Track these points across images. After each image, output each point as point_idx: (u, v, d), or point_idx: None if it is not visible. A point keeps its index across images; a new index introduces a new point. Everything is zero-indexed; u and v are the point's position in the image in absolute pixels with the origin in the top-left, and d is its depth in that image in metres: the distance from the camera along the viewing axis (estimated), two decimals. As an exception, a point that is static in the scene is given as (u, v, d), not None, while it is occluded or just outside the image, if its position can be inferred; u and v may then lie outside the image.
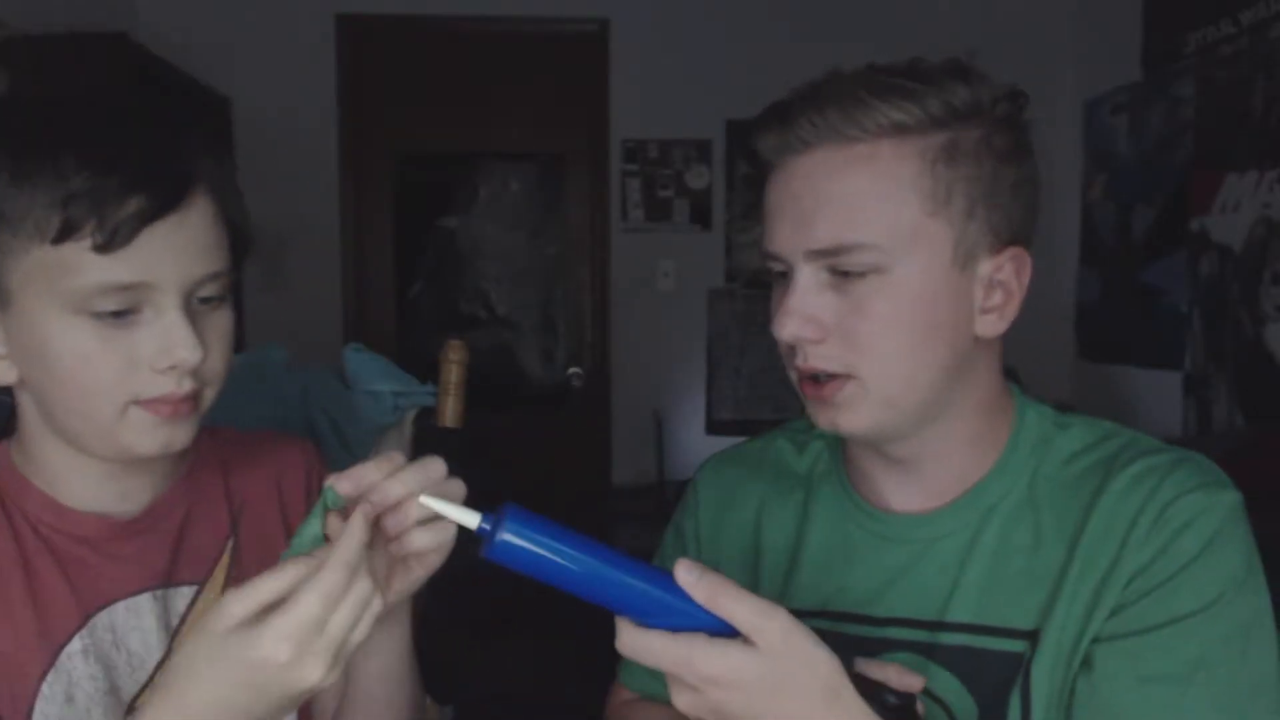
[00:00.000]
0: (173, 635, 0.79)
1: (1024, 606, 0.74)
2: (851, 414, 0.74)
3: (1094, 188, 3.18)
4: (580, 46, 3.40)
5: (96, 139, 0.67)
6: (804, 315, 0.72)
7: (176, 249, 0.68)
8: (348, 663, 0.85)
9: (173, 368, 0.69)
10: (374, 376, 1.36)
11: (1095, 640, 0.71)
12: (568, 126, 3.47)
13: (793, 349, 0.75)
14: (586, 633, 1.11)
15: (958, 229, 0.71)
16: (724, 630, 0.62)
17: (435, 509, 0.63)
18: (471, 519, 0.62)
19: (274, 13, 3.30)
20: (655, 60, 3.38)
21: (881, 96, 0.69)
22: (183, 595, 0.80)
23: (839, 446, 0.88)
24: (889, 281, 0.71)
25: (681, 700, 0.62)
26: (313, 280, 3.39)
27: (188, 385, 0.71)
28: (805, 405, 0.78)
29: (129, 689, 0.77)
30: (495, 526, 0.61)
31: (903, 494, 0.81)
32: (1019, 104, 0.74)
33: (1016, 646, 0.73)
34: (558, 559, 0.61)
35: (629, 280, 3.46)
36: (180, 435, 0.73)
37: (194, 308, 0.71)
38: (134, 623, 0.77)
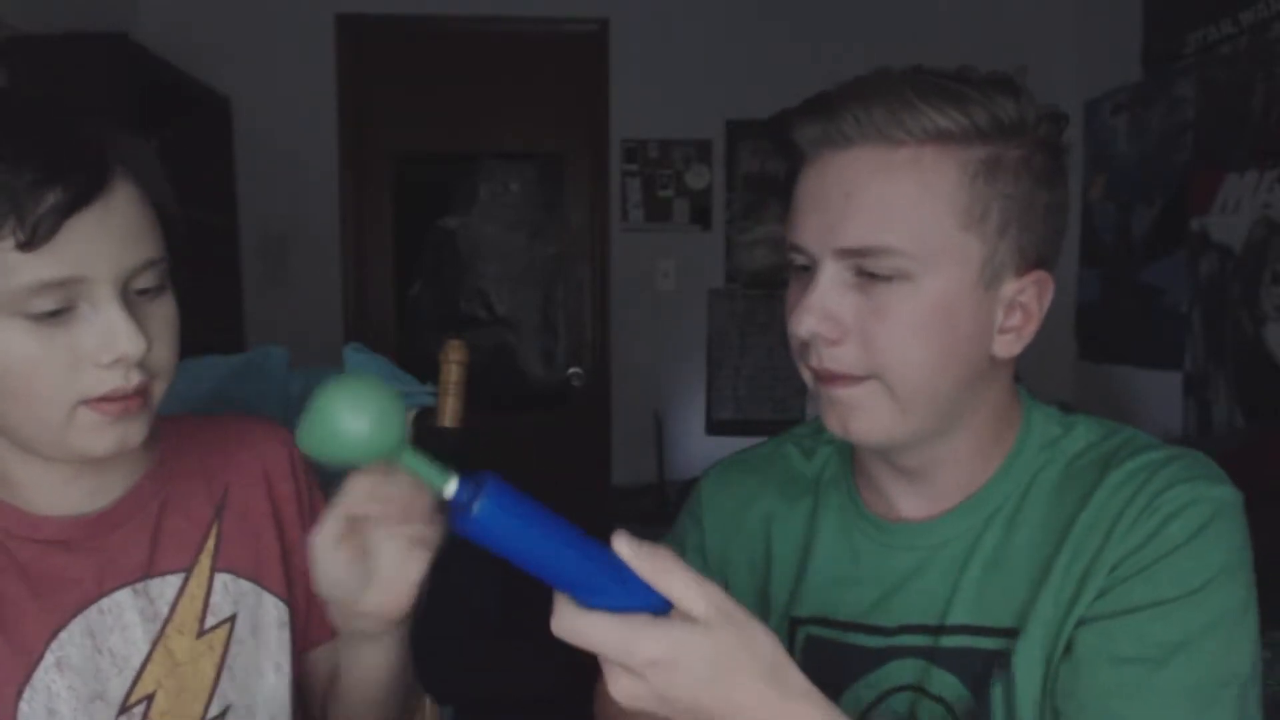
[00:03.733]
0: (164, 624, 0.79)
1: (1017, 602, 0.74)
2: (862, 420, 0.73)
3: (1094, 188, 3.18)
4: (580, 46, 3.40)
5: (2, 135, 0.65)
6: (823, 312, 0.71)
7: (104, 239, 0.67)
8: (339, 666, 0.84)
9: (117, 361, 0.68)
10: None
11: (1079, 624, 0.70)
12: (568, 126, 3.47)
13: (806, 346, 0.74)
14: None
15: (988, 246, 0.70)
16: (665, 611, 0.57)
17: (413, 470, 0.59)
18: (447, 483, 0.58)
19: (273, 13, 3.29)
20: (655, 60, 3.37)
21: (929, 101, 0.68)
22: (169, 584, 0.80)
23: (848, 452, 0.87)
24: (913, 289, 0.70)
25: (621, 688, 0.57)
26: (313, 280, 3.38)
27: (135, 379, 0.69)
28: (817, 403, 0.77)
29: (116, 690, 0.75)
30: (471, 498, 0.56)
31: (909, 500, 0.81)
32: (1060, 126, 0.74)
33: (1010, 642, 0.73)
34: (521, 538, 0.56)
35: (629, 280, 3.46)
36: (133, 433, 0.72)
37: (131, 299, 0.69)
38: (113, 622, 0.76)
